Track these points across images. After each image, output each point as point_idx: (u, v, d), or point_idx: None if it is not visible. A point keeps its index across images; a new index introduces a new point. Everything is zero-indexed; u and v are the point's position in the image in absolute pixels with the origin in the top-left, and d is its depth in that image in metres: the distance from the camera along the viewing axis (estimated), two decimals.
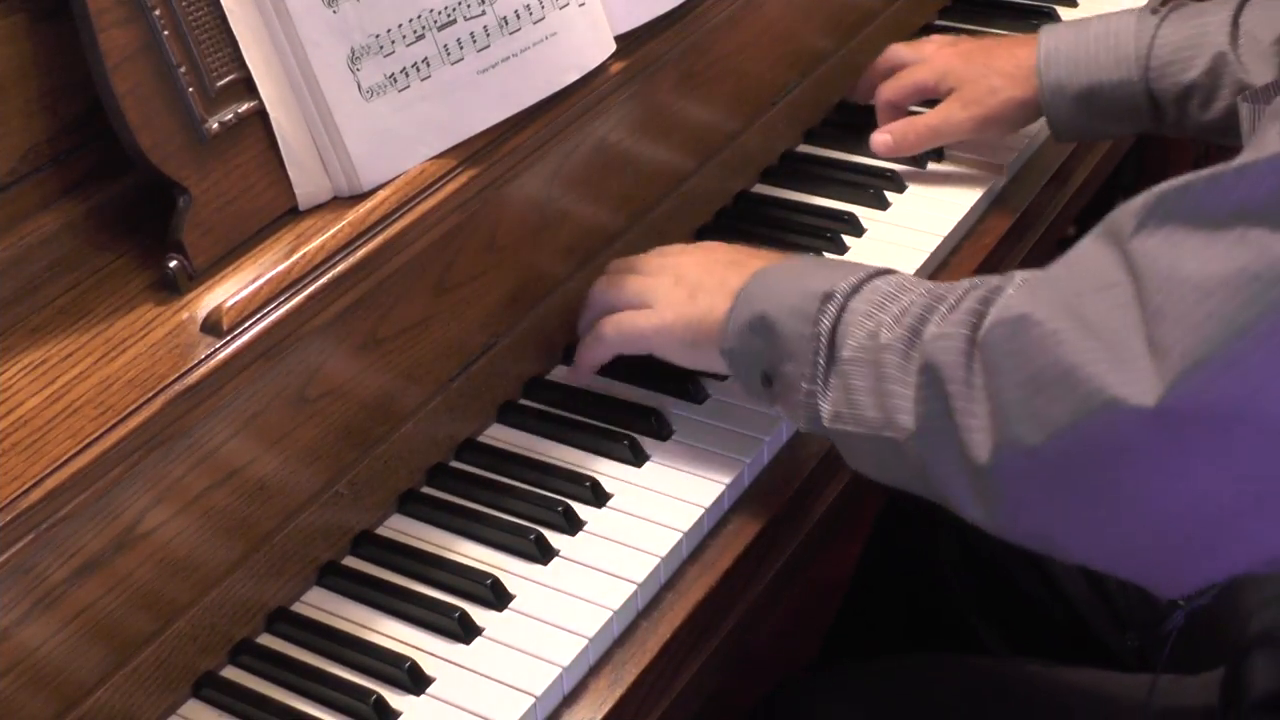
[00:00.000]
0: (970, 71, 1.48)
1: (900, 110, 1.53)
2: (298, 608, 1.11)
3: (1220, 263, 0.84)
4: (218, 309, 1.02)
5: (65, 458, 0.92)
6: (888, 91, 1.53)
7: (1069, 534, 0.95)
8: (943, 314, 1.02)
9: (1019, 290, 0.98)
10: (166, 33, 1.02)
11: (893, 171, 1.51)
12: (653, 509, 1.16)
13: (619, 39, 1.28)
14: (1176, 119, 1.40)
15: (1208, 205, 0.86)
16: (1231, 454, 0.85)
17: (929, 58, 1.52)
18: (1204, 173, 0.87)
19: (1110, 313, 0.89)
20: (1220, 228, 0.85)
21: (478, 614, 1.08)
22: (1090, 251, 0.94)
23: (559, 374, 1.30)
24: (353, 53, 1.11)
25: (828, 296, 1.09)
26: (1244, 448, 0.85)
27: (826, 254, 1.41)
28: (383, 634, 1.08)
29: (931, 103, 1.52)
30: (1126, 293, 0.89)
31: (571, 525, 1.15)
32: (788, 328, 1.11)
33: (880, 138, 1.50)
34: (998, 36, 1.71)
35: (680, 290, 1.20)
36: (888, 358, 1.03)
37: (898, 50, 1.56)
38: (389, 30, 1.13)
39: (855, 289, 1.09)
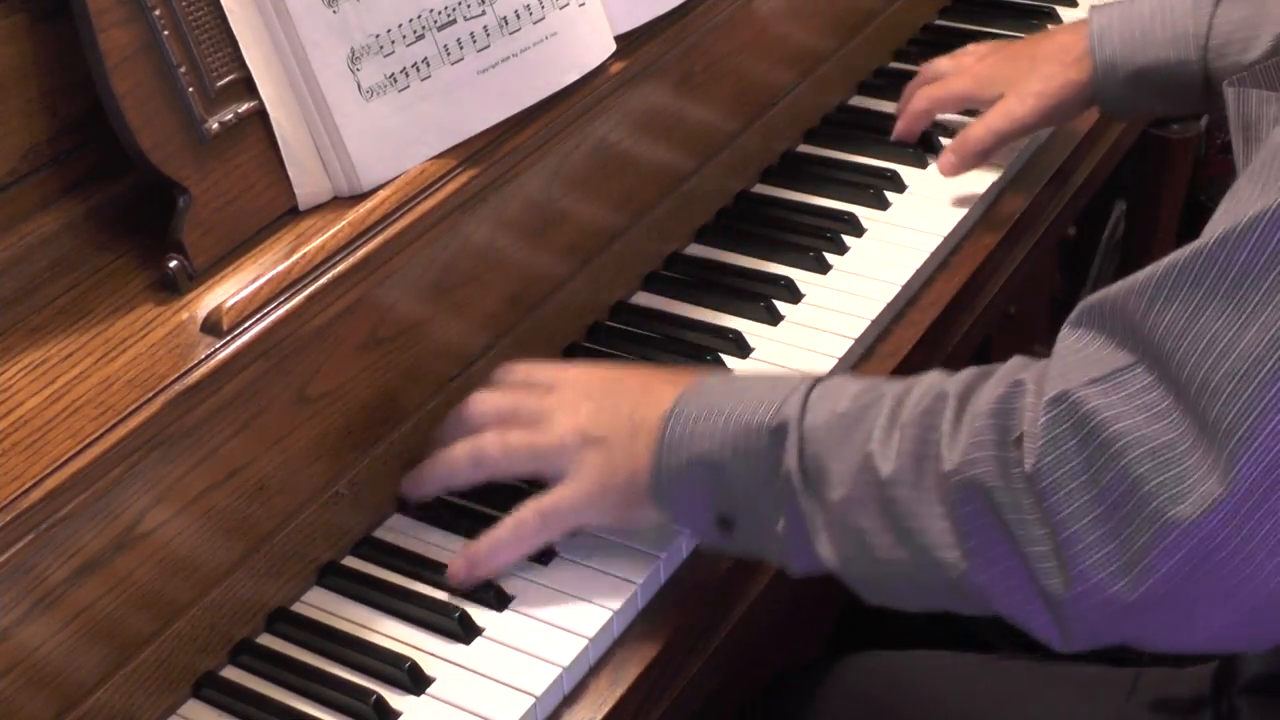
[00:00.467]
0: (1017, 70, 1.45)
1: (927, 118, 1.51)
2: (298, 608, 1.11)
3: (1258, 328, 0.82)
4: (218, 309, 1.02)
5: (65, 458, 0.92)
6: (924, 99, 1.50)
7: (1157, 642, 0.92)
8: (947, 434, 0.94)
9: (1040, 392, 0.91)
10: (166, 33, 1.02)
11: (893, 171, 1.51)
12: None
13: (619, 39, 1.28)
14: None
15: (1230, 265, 0.83)
16: None
17: (969, 68, 1.50)
18: (1220, 233, 0.84)
19: (1141, 396, 0.86)
20: (1245, 289, 0.82)
21: (478, 614, 1.08)
22: (1083, 342, 0.91)
23: None
24: (353, 53, 1.11)
25: (779, 431, 1.00)
26: None
27: (826, 254, 1.40)
28: (383, 634, 1.08)
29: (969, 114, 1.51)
30: (1146, 374, 0.86)
31: None
32: (739, 471, 1.02)
33: (944, 160, 1.45)
34: (1006, 37, 1.72)
35: (591, 451, 1.07)
36: (898, 493, 0.95)
37: (938, 62, 1.55)
38: (389, 30, 1.13)
39: (802, 410, 1.00)
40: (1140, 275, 0.88)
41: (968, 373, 0.98)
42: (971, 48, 1.56)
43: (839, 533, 0.99)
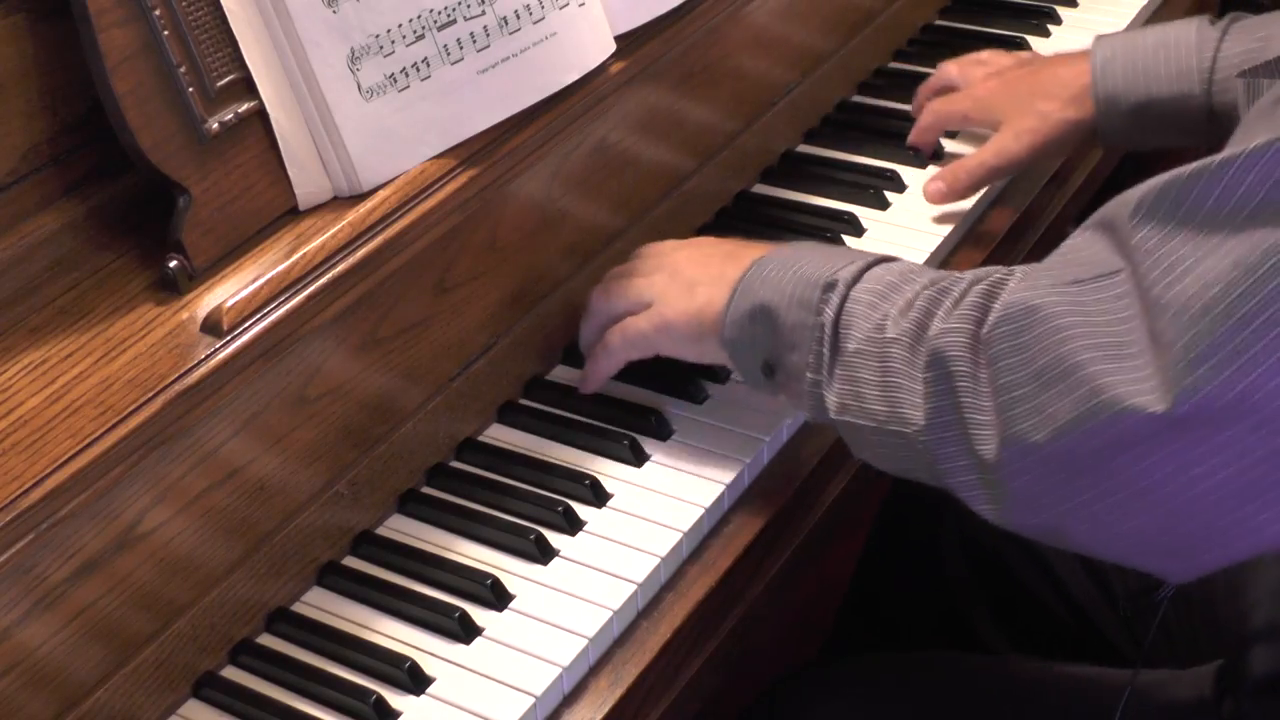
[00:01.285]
0: (1016, 100, 1.44)
1: (936, 131, 1.52)
2: (298, 608, 1.11)
3: (1216, 257, 0.85)
4: (218, 309, 1.02)
5: (65, 458, 0.92)
6: (930, 114, 1.51)
7: (1077, 528, 0.96)
8: (947, 308, 1.02)
9: (1020, 283, 0.98)
10: (166, 33, 1.02)
11: (893, 171, 1.50)
12: (653, 509, 1.16)
13: (619, 39, 1.28)
14: None
15: (1202, 198, 0.87)
16: (1240, 446, 0.86)
17: (974, 84, 1.49)
18: (1197, 165, 0.88)
19: (1111, 303, 0.90)
20: (1215, 221, 0.86)
21: (478, 614, 1.08)
22: (1085, 240, 0.95)
23: (559, 374, 1.30)
24: (353, 53, 1.11)
25: (830, 285, 1.09)
26: (1251, 439, 0.85)
27: None
28: (383, 634, 1.08)
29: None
30: (1126, 281, 0.90)
31: (571, 525, 1.15)
32: (790, 317, 1.11)
33: (933, 185, 1.44)
34: (1006, 37, 1.72)
35: (677, 286, 1.20)
36: (894, 351, 1.03)
37: (946, 67, 1.55)
38: (389, 30, 1.13)
39: (857, 277, 1.09)
40: (1138, 187, 0.91)
41: (996, 270, 1.04)
42: (985, 56, 1.54)
43: (842, 380, 1.07)
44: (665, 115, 1.39)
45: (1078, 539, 0.97)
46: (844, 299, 1.08)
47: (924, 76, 1.67)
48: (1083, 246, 0.95)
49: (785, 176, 1.54)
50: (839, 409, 1.08)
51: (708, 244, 1.25)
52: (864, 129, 1.59)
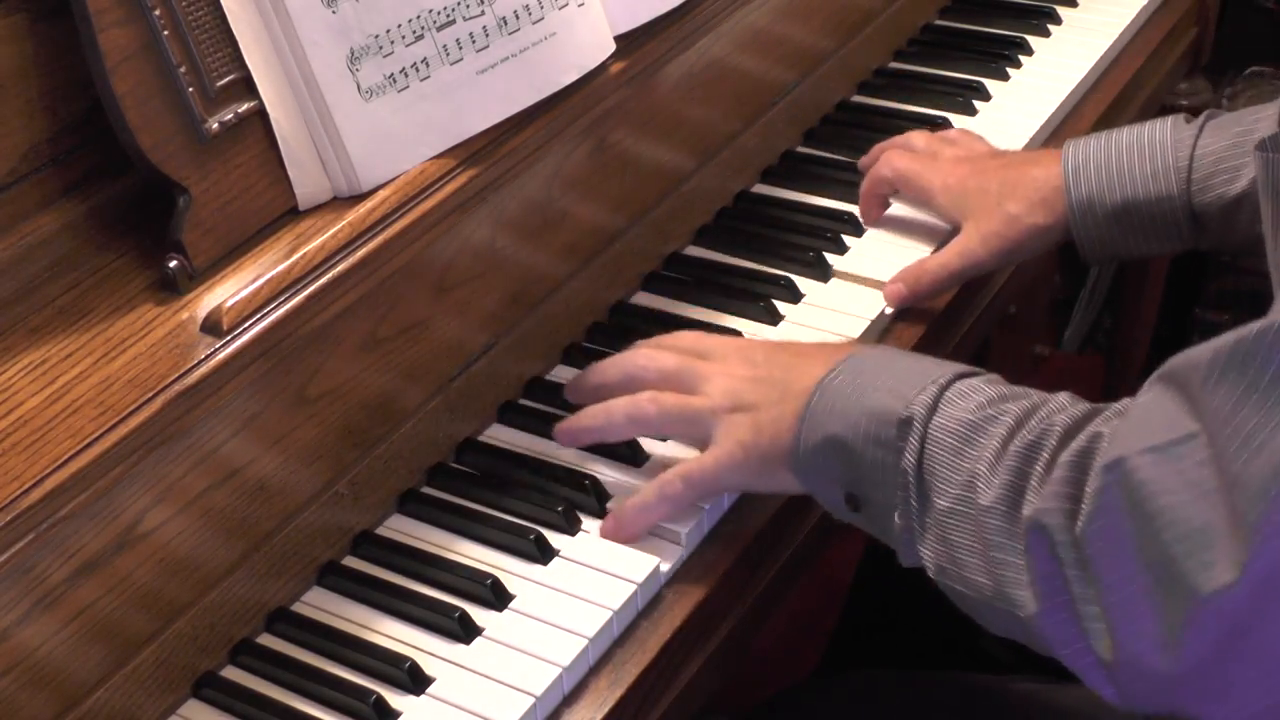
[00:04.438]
0: (984, 195, 1.37)
1: (887, 189, 1.45)
2: (298, 608, 1.11)
3: None
4: (218, 309, 1.02)
5: (65, 458, 0.92)
6: (889, 170, 1.43)
7: (1208, 715, 0.93)
8: (1039, 475, 0.96)
9: (1103, 463, 0.92)
10: (166, 33, 1.03)
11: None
12: None
13: (619, 39, 1.28)
14: (1221, 234, 1.31)
15: (1266, 362, 0.84)
16: None
17: (943, 166, 1.41)
18: (1261, 325, 0.85)
19: (1194, 474, 0.87)
20: (1278, 388, 0.83)
21: (478, 614, 1.08)
22: (1155, 400, 0.92)
23: (559, 374, 1.30)
24: (352, 53, 1.11)
25: (905, 424, 1.02)
26: None
27: (827, 254, 1.40)
28: (383, 634, 1.08)
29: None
30: (1204, 447, 0.87)
31: (571, 525, 1.15)
32: (867, 456, 1.04)
33: (893, 289, 1.35)
34: (1006, 37, 1.72)
35: (741, 416, 1.11)
36: (991, 522, 0.97)
37: (914, 139, 1.47)
38: (388, 30, 1.13)
39: (932, 410, 1.02)
40: (1204, 347, 0.88)
41: (1081, 409, 0.99)
42: (955, 135, 1.48)
43: (936, 541, 1.01)
44: (665, 115, 1.39)
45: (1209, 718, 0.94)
46: (923, 440, 1.01)
47: (924, 76, 1.68)
48: (1154, 405, 0.91)
49: (785, 176, 1.54)
50: (937, 570, 1.02)
51: (760, 353, 1.16)
52: (864, 129, 1.59)
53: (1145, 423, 0.91)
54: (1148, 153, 1.31)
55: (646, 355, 1.19)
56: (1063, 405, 1.00)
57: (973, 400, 1.02)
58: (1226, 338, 0.87)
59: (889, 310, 1.36)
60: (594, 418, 1.18)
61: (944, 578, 1.02)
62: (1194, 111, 1.42)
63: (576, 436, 1.20)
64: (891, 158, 1.44)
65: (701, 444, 1.15)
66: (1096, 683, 0.95)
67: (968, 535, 0.99)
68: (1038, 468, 0.96)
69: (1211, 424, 0.87)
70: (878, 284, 1.37)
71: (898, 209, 1.47)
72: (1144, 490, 0.88)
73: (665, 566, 1.12)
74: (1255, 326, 0.85)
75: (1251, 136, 1.26)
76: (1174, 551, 0.86)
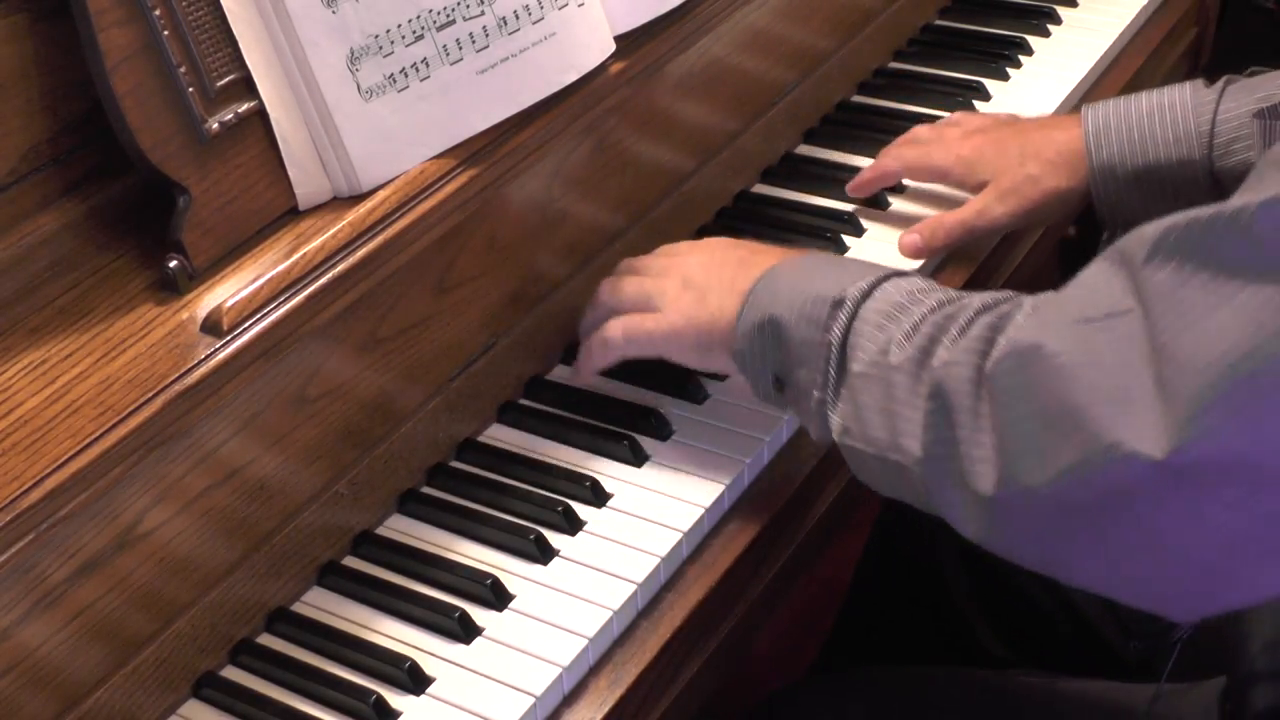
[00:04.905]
0: (1003, 160, 1.37)
1: (892, 180, 1.46)
2: (298, 608, 1.11)
3: (1229, 310, 0.83)
4: (218, 309, 1.02)
5: (65, 458, 0.92)
6: (896, 160, 1.44)
7: (1071, 565, 0.95)
8: (953, 337, 1.00)
9: (1028, 318, 0.96)
10: (166, 33, 1.02)
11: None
12: (653, 509, 1.16)
13: (619, 39, 1.28)
14: None
15: (1218, 246, 0.85)
16: (1239, 498, 0.85)
17: (952, 143, 1.42)
18: (1214, 210, 0.86)
19: (1119, 345, 0.88)
20: (1230, 271, 0.84)
21: (478, 614, 1.08)
22: (1100, 275, 0.93)
23: (559, 374, 1.30)
24: (352, 53, 1.11)
25: (838, 303, 1.07)
26: (1251, 492, 0.84)
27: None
28: (383, 634, 1.08)
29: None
30: (1135, 322, 0.88)
31: (571, 525, 1.15)
32: (798, 333, 1.09)
33: (909, 239, 1.38)
34: (1006, 37, 1.72)
35: (688, 293, 1.19)
36: (897, 378, 1.02)
37: (919, 131, 1.48)
38: (388, 31, 1.13)
39: (865, 294, 1.07)
40: (1154, 225, 0.89)
41: (1002, 295, 1.03)
42: (958, 118, 1.49)
43: (845, 402, 1.06)
44: (665, 115, 1.39)
45: (1071, 575, 0.96)
46: (851, 317, 1.06)
47: (924, 76, 1.68)
48: (1096, 280, 0.93)
49: (785, 176, 1.54)
50: (841, 431, 1.07)
51: (720, 248, 1.23)
52: (864, 129, 1.59)
53: (1082, 295, 0.93)
54: (1169, 117, 1.31)
55: (608, 280, 1.26)
56: (986, 298, 1.03)
57: (904, 288, 1.07)
58: (1178, 217, 0.88)
59: (902, 254, 1.38)
60: (580, 360, 1.26)
61: (846, 438, 1.06)
62: None
63: (581, 376, 1.27)
64: (897, 151, 1.45)
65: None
66: (962, 521, 0.99)
67: (874, 394, 1.04)
68: (951, 331, 1.00)
69: (1149, 300, 0.87)
70: None
71: (900, 206, 1.47)
72: (1063, 346, 0.90)
73: (665, 566, 1.12)
74: (1207, 210, 0.86)
75: (1272, 101, 1.25)
76: (1080, 400, 0.88)
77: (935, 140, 1.45)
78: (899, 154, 1.45)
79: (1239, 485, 0.84)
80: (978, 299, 1.03)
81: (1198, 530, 0.87)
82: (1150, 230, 0.89)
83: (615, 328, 1.22)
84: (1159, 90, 1.33)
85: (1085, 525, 0.91)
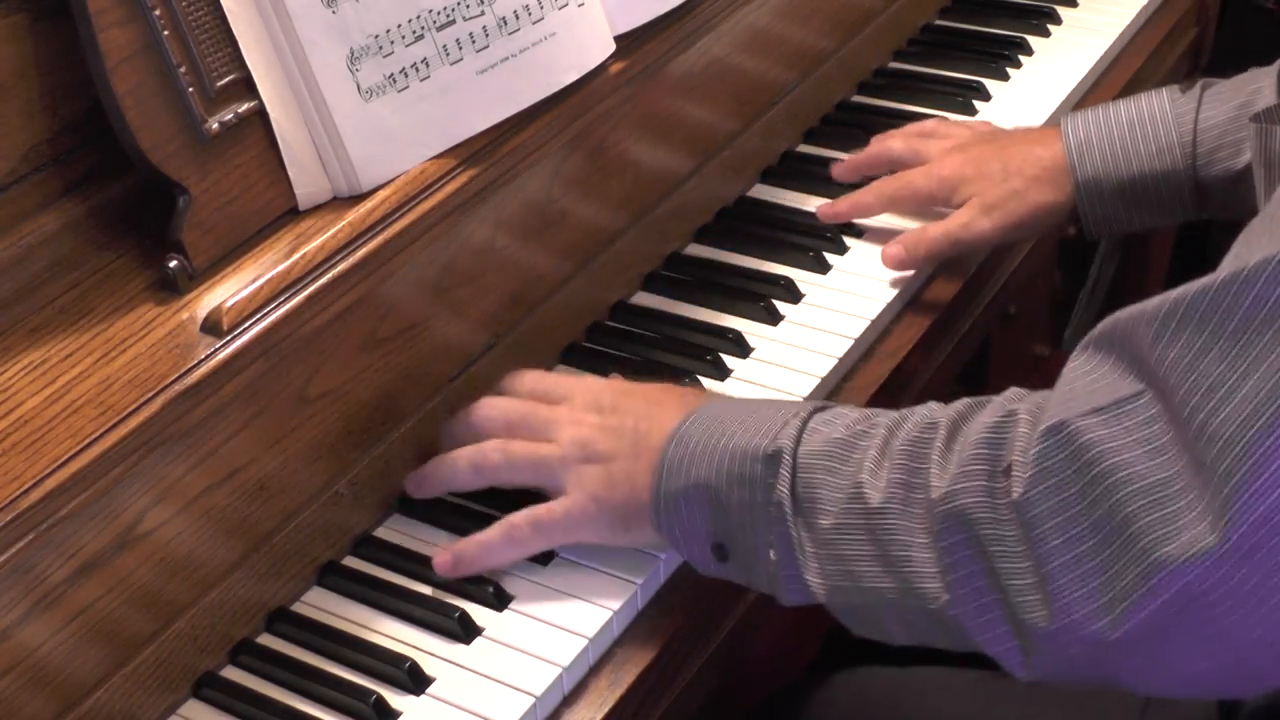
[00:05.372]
0: (987, 176, 1.35)
1: (868, 214, 1.42)
2: (298, 608, 1.11)
3: (1260, 375, 0.81)
4: (218, 309, 1.02)
5: (65, 458, 0.92)
6: (874, 195, 1.40)
7: (1151, 682, 0.91)
8: (938, 462, 0.94)
9: (1030, 422, 0.90)
10: (166, 33, 1.02)
11: (891, 172, 1.50)
12: None
13: (619, 39, 1.28)
14: (1224, 204, 1.30)
15: (1233, 310, 0.83)
16: None
17: (931, 167, 1.39)
18: (1227, 275, 0.83)
19: (1141, 432, 0.85)
20: (1248, 333, 0.82)
21: (478, 614, 1.08)
22: (1093, 364, 0.90)
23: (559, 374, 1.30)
24: (352, 53, 1.11)
25: (773, 457, 1.00)
26: None
27: (827, 254, 1.40)
28: (383, 634, 1.08)
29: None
30: (1152, 404, 0.85)
31: None
32: (734, 498, 1.01)
33: (892, 250, 1.35)
34: (1006, 37, 1.72)
35: (593, 467, 1.08)
36: (886, 522, 0.95)
37: (889, 146, 1.45)
38: (388, 31, 1.13)
39: (798, 439, 1.00)
40: (1151, 303, 0.87)
41: (962, 403, 0.98)
42: (931, 127, 1.46)
43: (827, 561, 0.99)
44: (665, 115, 1.39)
45: (1152, 691, 0.93)
46: (793, 469, 0.99)
47: (924, 76, 1.68)
48: (1089, 370, 0.89)
49: (785, 176, 1.54)
50: (829, 592, 0.99)
51: (609, 397, 1.11)
52: (864, 129, 1.59)
53: (1080, 388, 0.89)
54: (1149, 129, 1.30)
55: (490, 404, 1.15)
56: (935, 407, 0.98)
57: (838, 424, 1.01)
58: (1183, 290, 0.85)
59: (885, 266, 1.36)
60: (437, 467, 1.14)
61: (838, 597, 0.99)
62: None
63: (422, 487, 1.15)
64: (877, 189, 1.41)
65: (553, 493, 1.10)
66: (1015, 660, 0.93)
67: (861, 544, 0.96)
68: (933, 456, 0.94)
69: (1166, 379, 0.84)
70: (878, 284, 1.37)
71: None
72: (1091, 449, 0.86)
73: (666, 566, 1.12)
74: (1217, 276, 0.84)
75: (1251, 109, 1.25)
76: (1129, 509, 0.84)
77: (910, 157, 1.42)
78: (879, 189, 1.41)
79: None
80: (940, 415, 0.97)
81: (1260, 611, 0.83)
82: (1152, 307, 0.86)
83: (520, 522, 1.08)
84: (1136, 99, 1.33)
85: (1162, 642, 0.86)
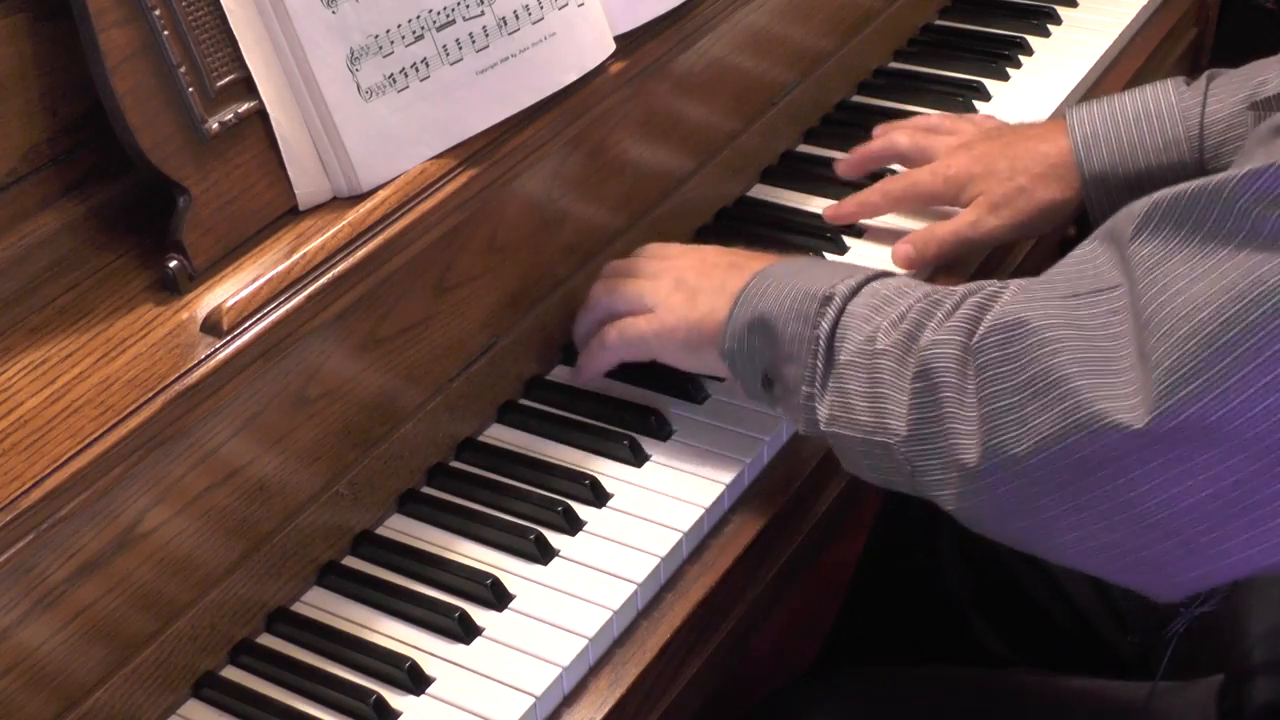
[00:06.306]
0: (993, 173, 1.36)
1: (874, 213, 1.43)
2: (298, 608, 1.11)
3: (1209, 279, 0.85)
4: (218, 309, 1.02)
5: (65, 458, 0.92)
6: (880, 194, 1.41)
7: (1054, 539, 0.96)
8: (939, 319, 1.02)
9: (1015, 295, 0.98)
10: (166, 33, 1.02)
11: (891, 172, 1.50)
12: (653, 509, 1.16)
13: (619, 39, 1.28)
14: None
15: (1202, 218, 0.87)
16: (1215, 468, 0.86)
17: (937, 165, 1.40)
18: (1197, 184, 0.88)
19: (1105, 318, 0.90)
20: (1211, 241, 0.86)
21: (478, 614, 1.08)
22: (1090, 252, 0.95)
23: (559, 374, 1.30)
24: (352, 53, 1.11)
25: (827, 299, 1.09)
26: (1228, 462, 0.86)
27: (827, 254, 1.41)
28: (383, 634, 1.08)
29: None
30: (1122, 297, 0.90)
31: (571, 525, 1.15)
32: (788, 330, 1.11)
33: (902, 249, 1.36)
34: (1006, 37, 1.72)
35: (680, 294, 1.20)
36: (883, 363, 1.04)
37: (895, 140, 1.45)
38: (388, 31, 1.13)
39: (854, 291, 1.09)
40: (1140, 202, 0.91)
41: (991, 282, 1.03)
42: (935, 122, 1.46)
43: (833, 393, 1.07)
44: (665, 115, 1.39)
45: (1055, 551, 0.98)
46: (840, 312, 1.08)
47: (924, 76, 1.68)
48: (1085, 258, 0.95)
49: (785, 177, 1.54)
50: (828, 420, 1.08)
51: (712, 252, 1.24)
52: (864, 129, 1.58)
53: (1071, 273, 0.95)
54: (1156, 123, 1.30)
55: (611, 265, 1.28)
56: (974, 286, 1.04)
57: (891, 284, 1.09)
58: (1166, 192, 0.89)
59: (895, 265, 1.36)
60: (580, 364, 1.27)
61: (832, 425, 1.07)
62: None
63: (583, 375, 1.27)
64: (882, 188, 1.42)
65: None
66: (949, 501, 1.00)
67: (860, 380, 1.05)
68: (938, 314, 1.02)
69: (1134, 272, 0.89)
70: None
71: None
72: (1049, 319, 0.93)
73: (666, 566, 1.12)
74: (1193, 184, 0.88)
75: (1270, 82, 1.22)
76: (1069, 371, 0.90)
77: (914, 153, 1.43)
78: (885, 189, 1.42)
79: (1211, 451, 0.86)
80: (963, 286, 1.04)
81: (1171, 497, 0.89)
82: (1138, 206, 0.91)
83: (611, 331, 1.23)
84: (1141, 90, 1.32)
85: (1065, 495, 0.93)
